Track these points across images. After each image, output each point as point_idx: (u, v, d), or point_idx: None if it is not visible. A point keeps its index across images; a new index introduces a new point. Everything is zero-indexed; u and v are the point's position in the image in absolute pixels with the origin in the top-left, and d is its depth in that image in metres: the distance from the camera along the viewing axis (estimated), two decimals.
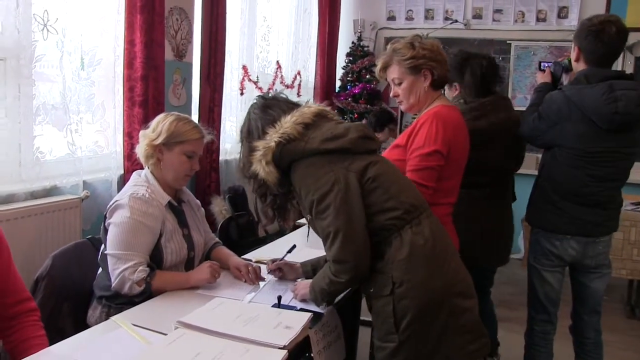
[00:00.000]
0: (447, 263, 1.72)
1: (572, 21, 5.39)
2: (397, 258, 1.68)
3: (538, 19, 5.58)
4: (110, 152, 3.25)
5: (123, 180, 3.24)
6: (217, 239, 2.41)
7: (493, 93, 2.80)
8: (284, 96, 1.92)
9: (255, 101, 1.91)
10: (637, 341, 3.85)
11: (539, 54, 5.51)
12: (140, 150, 2.15)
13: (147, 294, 1.95)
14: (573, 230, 2.42)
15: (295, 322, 1.68)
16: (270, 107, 1.84)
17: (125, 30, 3.19)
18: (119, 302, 1.99)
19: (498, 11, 5.69)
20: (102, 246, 2.10)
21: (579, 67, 2.42)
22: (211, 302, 1.83)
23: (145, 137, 2.14)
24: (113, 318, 1.77)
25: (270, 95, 1.91)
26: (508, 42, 5.62)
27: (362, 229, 1.68)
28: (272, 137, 1.75)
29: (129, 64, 3.22)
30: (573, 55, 2.44)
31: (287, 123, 1.75)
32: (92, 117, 3.15)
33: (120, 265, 1.96)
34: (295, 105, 1.85)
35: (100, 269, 2.12)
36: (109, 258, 2.00)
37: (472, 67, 2.74)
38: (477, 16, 5.75)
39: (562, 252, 2.45)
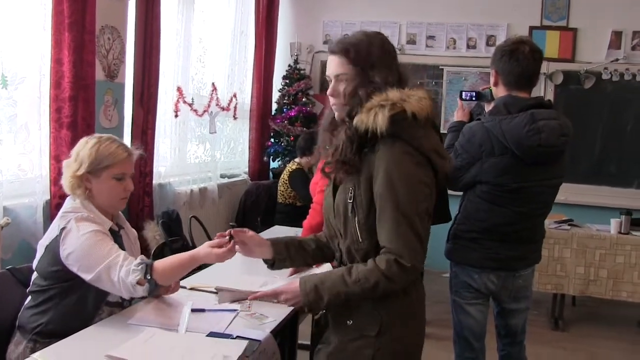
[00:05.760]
0: None
1: None
2: None
3: (468, 46, 5.79)
4: (35, 176, 3.08)
5: (49, 206, 3.08)
6: None
7: None
8: None
9: None
10: (563, 352, 3.98)
11: (470, 80, 5.71)
12: (65, 182, 1.99)
13: (152, 287, 1.80)
14: (491, 265, 2.34)
15: (232, 351, 1.62)
16: None
17: (52, 48, 3.05)
18: (47, 336, 1.85)
19: (431, 37, 5.87)
20: (34, 274, 1.95)
21: (498, 91, 2.37)
22: (144, 334, 1.73)
23: (69, 168, 1.98)
24: (34, 355, 1.63)
25: None
26: (440, 67, 5.79)
27: None
28: None
29: (56, 83, 3.07)
30: (492, 80, 2.38)
31: None
32: (14, 139, 2.98)
33: (112, 275, 1.80)
34: None
35: (28, 299, 1.97)
36: (96, 284, 1.84)
37: None
38: (411, 42, 5.90)
39: (480, 285, 2.37)
